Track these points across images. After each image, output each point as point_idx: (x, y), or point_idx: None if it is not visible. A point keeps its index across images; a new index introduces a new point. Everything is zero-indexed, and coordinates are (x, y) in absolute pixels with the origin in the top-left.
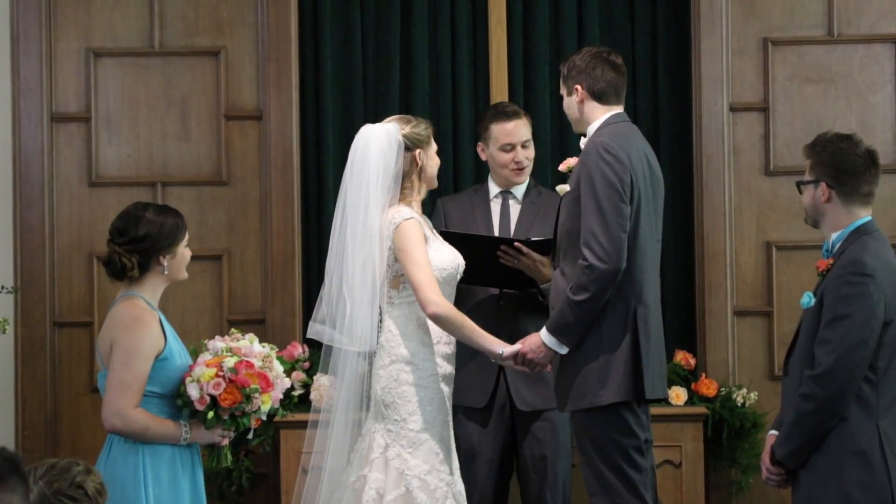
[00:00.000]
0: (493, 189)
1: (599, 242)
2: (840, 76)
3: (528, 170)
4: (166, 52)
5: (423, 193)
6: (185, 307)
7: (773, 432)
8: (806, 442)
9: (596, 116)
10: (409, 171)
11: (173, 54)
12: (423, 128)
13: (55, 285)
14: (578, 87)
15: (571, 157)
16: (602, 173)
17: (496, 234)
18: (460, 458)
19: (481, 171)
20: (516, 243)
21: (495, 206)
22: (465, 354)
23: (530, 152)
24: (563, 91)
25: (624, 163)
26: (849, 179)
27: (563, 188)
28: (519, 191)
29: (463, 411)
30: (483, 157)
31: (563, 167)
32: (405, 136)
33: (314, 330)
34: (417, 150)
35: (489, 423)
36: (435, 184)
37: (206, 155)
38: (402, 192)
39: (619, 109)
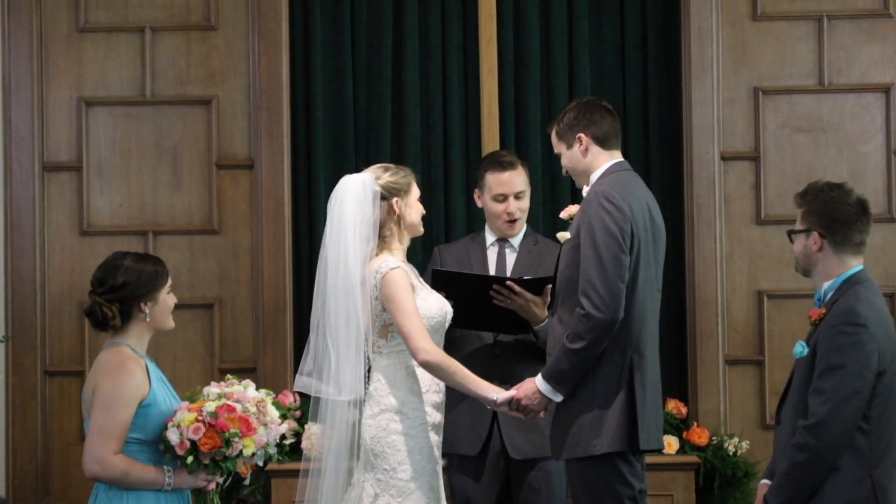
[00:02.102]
0: (490, 237)
1: (597, 292)
2: (831, 125)
3: (522, 221)
4: (158, 102)
5: (406, 242)
6: (176, 355)
7: (765, 482)
8: (799, 492)
9: (599, 163)
10: (386, 220)
11: (165, 103)
12: (400, 176)
13: (46, 334)
14: (581, 135)
15: (571, 205)
16: (602, 222)
17: (467, 272)
18: None
19: (473, 220)
20: (508, 282)
21: (491, 254)
22: (458, 401)
23: (524, 203)
24: (562, 147)
25: (625, 212)
26: (840, 229)
27: (563, 235)
28: (516, 239)
29: (457, 459)
30: (479, 204)
31: (564, 214)
32: (381, 185)
33: (301, 383)
34: (394, 199)
35: (483, 471)
36: (418, 231)
37: (197, 204)
38: (383, 240)
39: (619, 156)
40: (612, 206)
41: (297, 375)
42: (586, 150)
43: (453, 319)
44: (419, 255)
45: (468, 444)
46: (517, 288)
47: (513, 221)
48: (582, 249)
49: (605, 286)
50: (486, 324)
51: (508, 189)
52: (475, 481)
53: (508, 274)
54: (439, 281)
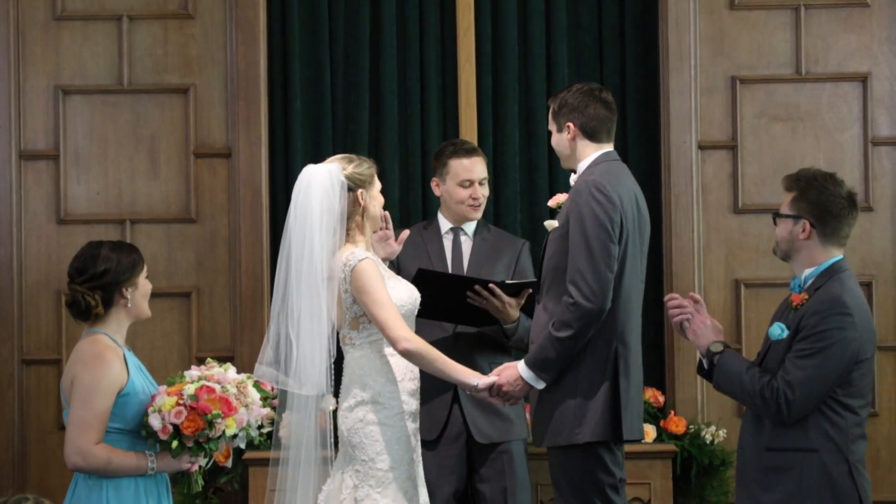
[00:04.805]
0: (445, 225)
1: (586, 281)
2: (808, 114)
3: (483, 206)
4: (135, 90)
5: (369, 233)
6: (153, 344)
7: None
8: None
9: (587, 154)
10: (352, 212)
11: (142, 92)
12: (365, 167)
13: (23, 323)
14: (570, 124)
15: (558, 193)
16: (592, 212)
17: (449, 269)
18: None
19: None
20: (491, 285)
21: (447, 242)
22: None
23: (486, 190)
24: (553, 127)
25: (615, 202)
26: (832, 221)
27: (551, 224)
28: (469, 227)
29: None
30: (437, 192)
31: (552, 203)
32: (347, 177)
33: (260, 372)
34: (360, 190)
35: (444, 457)
36: (379, 224)
37: (174, 192)
38: (348, 233)
39: (609, 147)
40: (602, 196)
41: (257, 365)
42: (573, 139)
43: (421, 311)
44: None
45: (425, 428)
46: (498, 291)
47: (479, 206)
48: (571, 238)
49: (594, 275)
50: (452, 317)
51: (474, 175)
52: (436, 470)
53: (465, 262)
54: (422, 279)
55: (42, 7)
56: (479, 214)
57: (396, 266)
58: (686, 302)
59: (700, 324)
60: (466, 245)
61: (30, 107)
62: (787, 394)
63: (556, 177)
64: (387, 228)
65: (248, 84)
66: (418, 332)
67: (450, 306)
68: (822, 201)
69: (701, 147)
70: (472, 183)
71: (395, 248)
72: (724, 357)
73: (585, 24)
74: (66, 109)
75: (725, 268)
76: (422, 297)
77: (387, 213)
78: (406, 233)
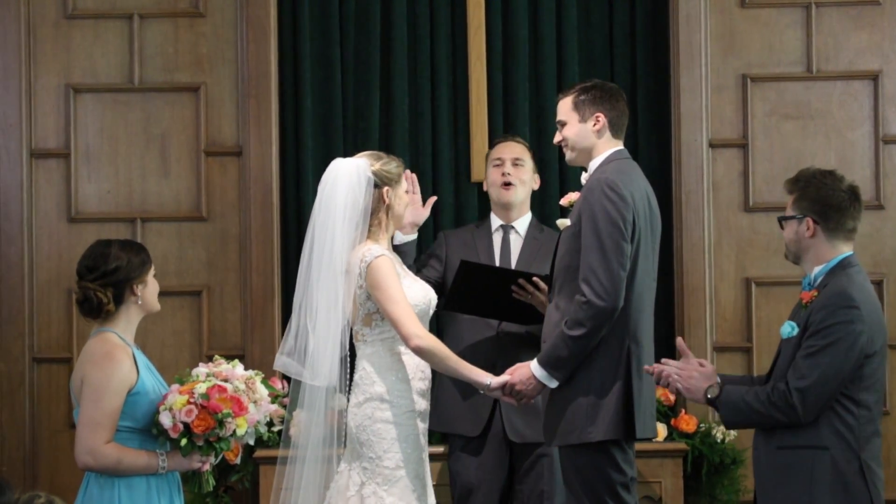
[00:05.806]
0: (495, 222)
1: (599, 280)
2: (819, 113)
3: (518, 191)
4: (146, 88)
5: (391, 231)
6: (164, 343)
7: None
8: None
9: (603, 149)
10: (376, 209)
11: (153, 90)
12: (393, 165)
13: (34, 321)
14: (600, 115)
15: (571, 192)
16: (605, 210)
17: (497, 266)
18: (458, 493)
19: (461, 208)
20: (535, 278)
21: (496, 239)
22: (460, 381)
23: (521, 172)
24: (573, 118)
25: (627, 201)
26: (834, 215)
27: (563, 222)
28: (521, 225)
29: (460, 443)
30: (485, 187)
31: (564, 202)
32: (375, 173)
33: (281, 362)
34: (386, 188)
35: (486, 455)
36: (402, 223)
37: (185, 191)
38: (370, 229)
39: (621, 145)
40: (615, 195)
41: (278, 355)
42: (600, 131)
43: (464, 307)
44: (425, 241)
45: (469, 424)
46: (542, 285)
47: (508, 185)
48: (583, 237)
49: (607, 274)
50: (497, 313)
51: (504, 154)
52: (477, 468)
53: (513, 259)
54: (466, 272)
55: (53, 5)
56: (512, 197)
57: (445, 264)
58: (662, 368)
59: (688, 378)
60: (516, 243)
61: (41, 105)
62: (798, 393)
63: (567, 175)
64: (414, 193)
65: (259, 82)
66: (465, 329)
67: (494, 301)
68: (823, 196)
69: (712, 145)
70: (502, 162)
71: (424, 212)
72: (724, 395)
73: (596, 22)
74: (77, 108)
75: (736, 266)
76: (465, 291)
77: (413, 174)
78: (433, 199)
